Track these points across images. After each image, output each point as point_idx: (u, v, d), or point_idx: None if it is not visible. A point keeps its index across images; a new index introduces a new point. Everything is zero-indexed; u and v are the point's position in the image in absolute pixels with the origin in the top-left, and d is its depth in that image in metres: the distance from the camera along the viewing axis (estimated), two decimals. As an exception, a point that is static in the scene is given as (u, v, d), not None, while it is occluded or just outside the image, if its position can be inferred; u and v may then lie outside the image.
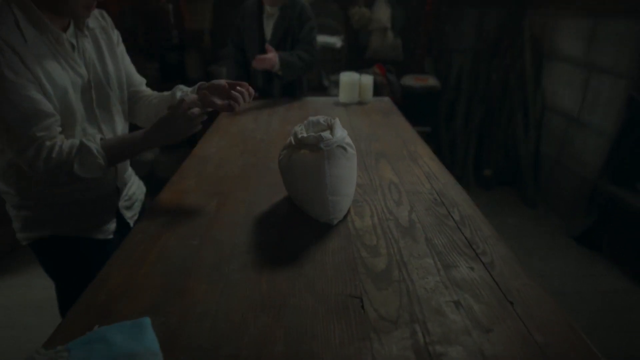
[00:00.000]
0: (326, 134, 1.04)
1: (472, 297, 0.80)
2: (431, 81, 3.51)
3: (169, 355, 0.66)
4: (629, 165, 2.46)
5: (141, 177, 1.49)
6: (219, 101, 1.08)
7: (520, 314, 0.76)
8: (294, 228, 1.06)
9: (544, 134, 3.35)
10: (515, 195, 3.44)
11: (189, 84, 1.27)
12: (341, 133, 1.08)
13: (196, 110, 1.03)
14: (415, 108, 3.31)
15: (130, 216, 1.36)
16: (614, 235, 2.58)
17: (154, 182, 1.85)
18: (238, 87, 1.12)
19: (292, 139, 1.10)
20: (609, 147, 2.58)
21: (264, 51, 2.09)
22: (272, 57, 2.00)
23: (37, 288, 2.26)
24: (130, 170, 1.39)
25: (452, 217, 1.10)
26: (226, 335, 0.71)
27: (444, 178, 1.34)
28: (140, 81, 1.36)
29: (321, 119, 1.17)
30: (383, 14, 3.47)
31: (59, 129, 1.03)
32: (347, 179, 1.09)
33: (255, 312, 0.76)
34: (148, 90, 1.37)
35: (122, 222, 1.33)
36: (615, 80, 2.58)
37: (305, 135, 1.06)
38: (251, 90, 1.14)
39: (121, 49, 1.25)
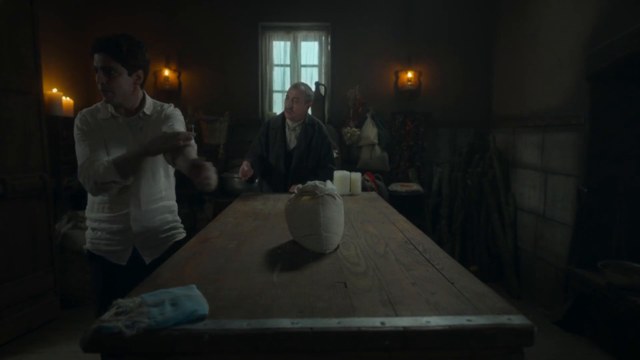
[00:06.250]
0: (321, 184, 1.44)
1: (425, 281, 1.11)
2: (415, 187, 4.02)
3: (211, 302, 0.96)
4: (588, 248, 2.80)
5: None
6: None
7: (457, 287, 1.07)
8: (296, 253, 1.39)
9: (519, 231, 3.73)
10: (500, 288, 3.67)
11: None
12: (331, 186, 1.48)
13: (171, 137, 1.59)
14: (401, 209, 3.73)
15: (147, 254, 1.78)
16: (590, 315, 2.79)
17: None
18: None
19: (295, 191, 1.50)
20: (571, 235, 2.95)
21: (284, 154, 2.82)
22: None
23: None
24: (152, 222, 1.81)
25: (417, 249, 1.44)
26: (249, 296, 1.01)
27: (415, 231, 1.70)
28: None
29: (317, 182, 1.58)
30: (370, 132, 4.14)
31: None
32: (336, 220, 1.45)
33: (269, 286, 1.07)
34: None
35: (137, 256, 1.77)
36: (566, 179, 3.07)
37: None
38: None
39: (170, 123, 1.76)
